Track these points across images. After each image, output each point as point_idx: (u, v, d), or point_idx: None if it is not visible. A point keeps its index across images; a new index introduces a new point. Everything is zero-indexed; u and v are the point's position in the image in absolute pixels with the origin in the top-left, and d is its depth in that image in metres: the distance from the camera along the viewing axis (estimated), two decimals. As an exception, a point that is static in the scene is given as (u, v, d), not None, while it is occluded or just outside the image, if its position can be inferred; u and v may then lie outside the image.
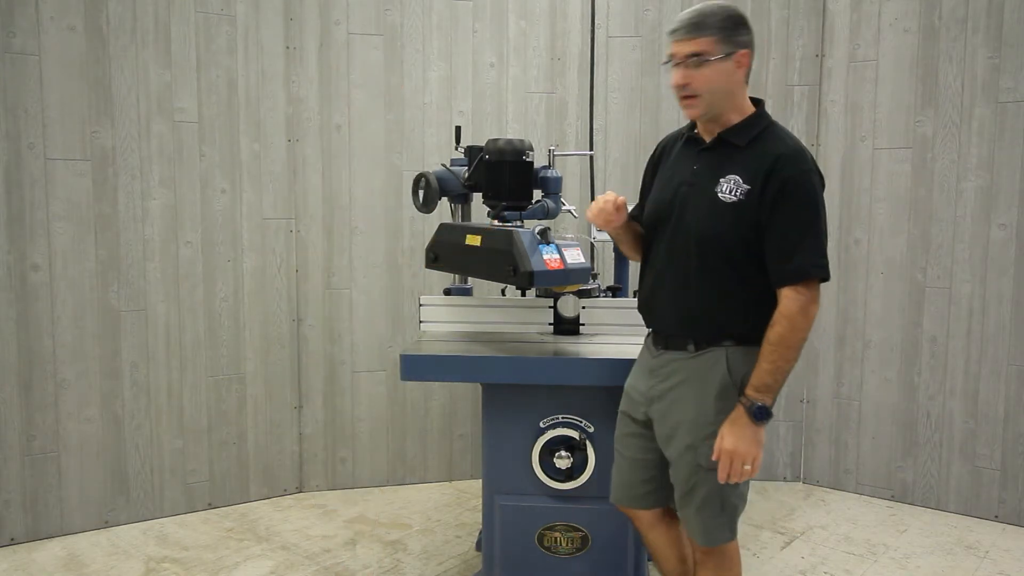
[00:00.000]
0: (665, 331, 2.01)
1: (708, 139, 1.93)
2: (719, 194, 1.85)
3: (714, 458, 1.85)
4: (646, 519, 2.14)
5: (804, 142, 3.63)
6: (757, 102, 1.94)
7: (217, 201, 3.39)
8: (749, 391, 1.82)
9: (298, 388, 3.64)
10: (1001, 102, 3.29)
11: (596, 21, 3.64)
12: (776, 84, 3.69)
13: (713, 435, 1.87)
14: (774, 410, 1.85)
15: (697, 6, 1.87)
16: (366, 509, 3.51)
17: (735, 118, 1.89)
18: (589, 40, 3.66)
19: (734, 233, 1.84)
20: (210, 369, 3.44)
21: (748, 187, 1.82)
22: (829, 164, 3.69)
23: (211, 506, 3.49)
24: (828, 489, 3.78)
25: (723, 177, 1.86)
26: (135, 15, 3.18)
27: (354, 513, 3.47)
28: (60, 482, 3.19)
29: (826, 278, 1.82)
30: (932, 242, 3.47)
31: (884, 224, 3.58)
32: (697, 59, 1.82)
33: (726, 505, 1.94)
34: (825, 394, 3.77)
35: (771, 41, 3.68)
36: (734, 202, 1.83)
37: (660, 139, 2.18)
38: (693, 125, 2.01)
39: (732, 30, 1.83)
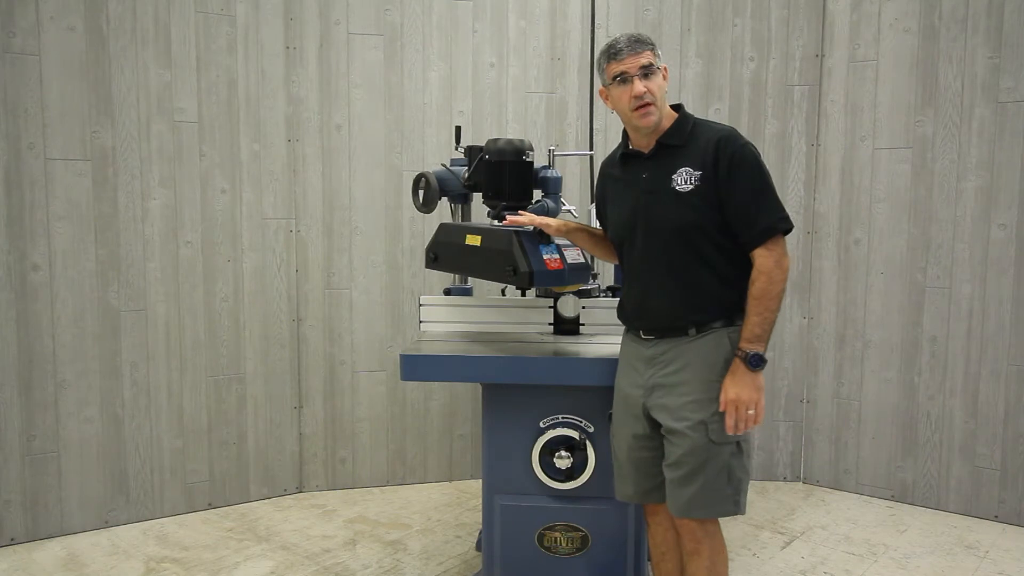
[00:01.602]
0: (663, 325, 2.11)
1: (647, 150, 2.13)
2: (676, 187, 2.05)
3: (721, 409, 2.00)
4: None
5: (804, 142, 3.70)
6: (677, 107, 2.15)
7: (217, 201, 3.39)
8: (743, 344, 2.01)
9: (298, 388, 3.64)
10: (1001, 102, 3.29)
11: (596, 21, 3.63)
12: (776, 84, 3.69)
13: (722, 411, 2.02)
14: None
15: (622, 34, 2.11)
16: (366, 509, 3.51)
17: (667, 123, 2.12)
18: (589, 40, 3.66)
19: (700, 215, 2.03)
20: (210, 369, 3.44)
21: (700, 172, 2.03)
22: (829, 164, 3.69)
23: (211, 506, 3.49)
24: (828, 489, 3.78)
25: (674, 173, 2.06)
26: (135, 15, 3.18)
27: (354, 513, 3.47)
28: (60, 482, 3.19)
29: (790, 229, 2.02)
30: (932, 242, 3.47)
31: (884, 224, 3.58)
32: (647, 69, 2.05)
33: (732, 478, 2.06)
34: (825, 394, 3.77)
35: (771, 41, 3.68)
36: (692, 189, 2.04)
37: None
38: (626, 144, 2.19)
39: (656, 48, 2.10)
